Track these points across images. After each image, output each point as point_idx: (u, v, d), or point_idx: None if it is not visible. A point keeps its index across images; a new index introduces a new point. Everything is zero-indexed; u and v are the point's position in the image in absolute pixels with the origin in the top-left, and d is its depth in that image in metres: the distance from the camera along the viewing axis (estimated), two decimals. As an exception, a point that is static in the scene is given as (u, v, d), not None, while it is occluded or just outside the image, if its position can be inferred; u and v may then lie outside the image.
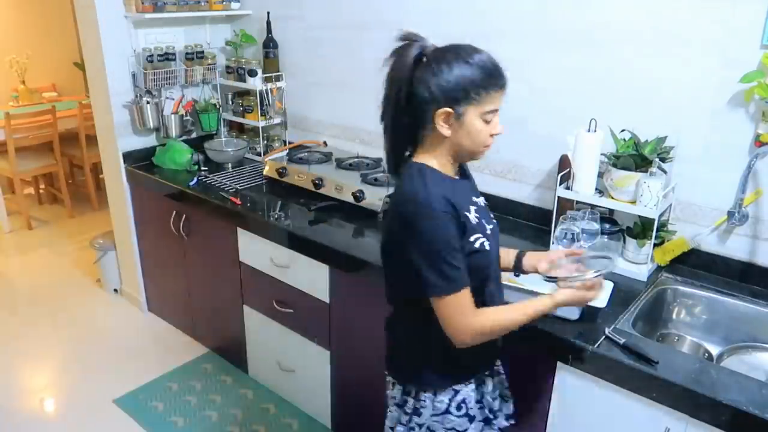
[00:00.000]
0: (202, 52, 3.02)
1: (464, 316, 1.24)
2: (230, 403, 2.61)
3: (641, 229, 1.86)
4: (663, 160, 1.79)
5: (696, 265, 1.89)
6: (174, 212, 2.75)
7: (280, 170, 2.57)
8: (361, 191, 2.29)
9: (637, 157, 1.77)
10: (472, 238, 1.27)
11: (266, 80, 2.88)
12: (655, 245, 1.86)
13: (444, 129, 1.23)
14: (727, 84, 1.71)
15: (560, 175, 1.95)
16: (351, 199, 2.31)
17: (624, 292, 1.76)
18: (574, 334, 1.55)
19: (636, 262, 1.88)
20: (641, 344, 1.49)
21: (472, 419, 1.40)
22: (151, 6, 2.73)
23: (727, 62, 1.70)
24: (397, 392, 1.44)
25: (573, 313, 1.59)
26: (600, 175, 1.89)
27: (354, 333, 2.16)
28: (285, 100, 2.96)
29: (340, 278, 2.12)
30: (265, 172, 2.66)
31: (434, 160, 1.29)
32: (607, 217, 1.99)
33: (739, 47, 1.68)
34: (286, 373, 2.52)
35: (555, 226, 1.91)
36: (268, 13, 2.88)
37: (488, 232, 1.33)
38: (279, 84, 2.91)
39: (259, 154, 2.98)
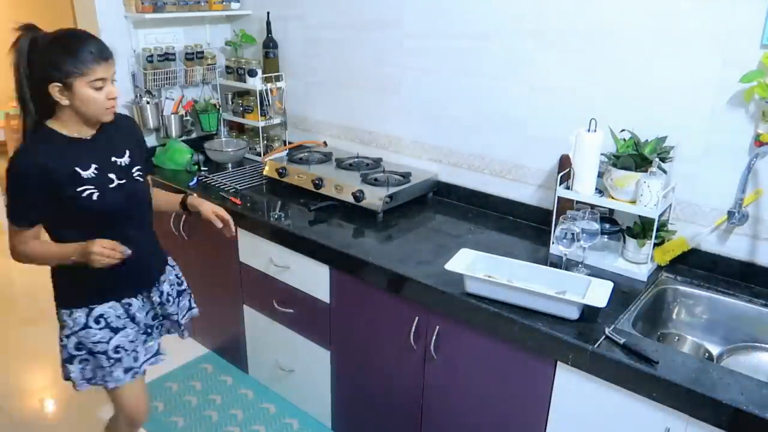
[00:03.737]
0: (202, 52, 3.02)
1: (16, 242, 1.63)
2: (230, 403, 2.61)
3: (641, 229, 1.86)
4: (663, 160, 1.79)
5: (696, 265, 1.89)
6: (173, 212, 2.75)
7: (280, 170, 2.58)
8: (361, 191, 2.30)
9: (637, 157, 1.77)
10: (79, 189, 1.59)
11: (266, 80, 2.88)
12: (655, 245, 1.86)
13: (62, 100, 1.54)
14: (727, 84, 1.71)
15: (560, 175, 1.95)
16: (351, 199, 2.31)
17: (624, 292, 1.76)
18: (574, 334, 1.55)
19: (636, 262, 1.88)
20: (641, 344, 1.49)
21: (115, 330, 1.73)
22: (151, 6, 2.73)
23: (727, 62, 1.71)
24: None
25: (573, 313, 1.60)
26: (600, 175, 1.89)
27: (354, 333, 2.16)
28: (285, 100, 2.96)
29: (340, 278, 2.12)
30: (265, 172, 2.66)
31: (59, 123, 1.61)
32: (607, 217, 1.99)
33: (739, 47, 1.68)
34: (286, 373, 2.53)
35: (555, 226, 1.91)
36: (268, 13, 2.88)
37: (110, 186, 1.65)
38: (279, 84, 2.91)
39: (259, 154, 2.98)
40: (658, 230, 1.81)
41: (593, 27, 1.94)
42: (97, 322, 1.73)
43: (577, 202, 1.96)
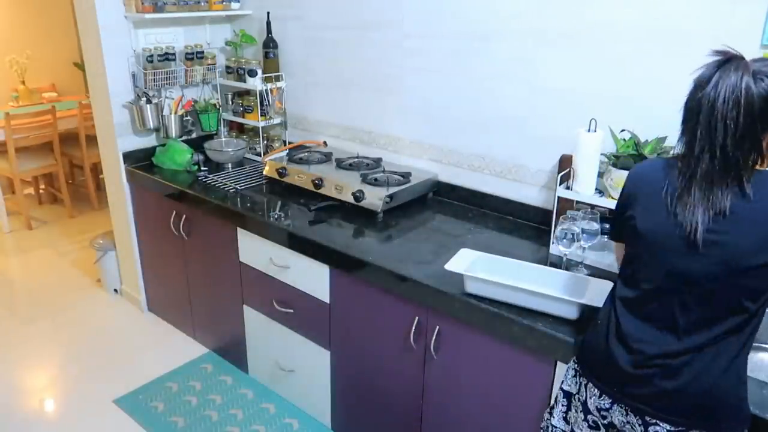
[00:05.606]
0: (202, 52, 3.02)
1: None
2: (230, 403, 2.61)
3: (641, 229, 1.85)
4: (663, 160, 1.78)
5: (696, 265, 1.89)
6: (174, 212, 2.75)
7: (280, 170, 2.57)
8: (361, 191, 2.29)
9: (637, 157, 1.77)
10: None
11: (266, 80, 2.88)
12: (655, 245, 1.86)
13: None
14: (727, 84, 1.71)
15: (560, 175, 1.95)
16: (351, 199, 2.31)
17: (624, 292, 1.76)
18: (574, 334, 1.55)
19: (636, 262, 1.88)
20: (641, 344, 1.49)
21: None
22: (151, 6, 2.73)
23: (727, 62, 1.70)
24: None
25: (572, 313, 1.60)
26: (600, 175, 1.89)
27: (354, 333, 2.16)
28: (285, 100, 2.96)
29: (340, 278, 2.12)
30: (265, 172, 2.66)
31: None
32: (607, 217, 1.99)
33: (739, 47, 1.67)
34: (286, 373, 2.53)
35: (555, 226, 1.91)
36: (268, 13, 2.88)
37: None
38: (279, 84, 2.91)
39: (259, 154, 2.98)
40: (658, 230, 1.81)
41: (593, 27, 1.94)
42: None
43: (577, 202, 1.96)
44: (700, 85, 1.19)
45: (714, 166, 1.17)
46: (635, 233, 1.30)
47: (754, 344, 1.61)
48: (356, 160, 2.64)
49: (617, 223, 1.39)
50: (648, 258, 1.27)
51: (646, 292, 1.28)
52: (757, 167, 1.19)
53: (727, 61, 1.18)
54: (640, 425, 1.26)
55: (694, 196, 1.19)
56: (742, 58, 1.18)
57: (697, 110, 1.19)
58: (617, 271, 1.40)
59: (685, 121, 1.23)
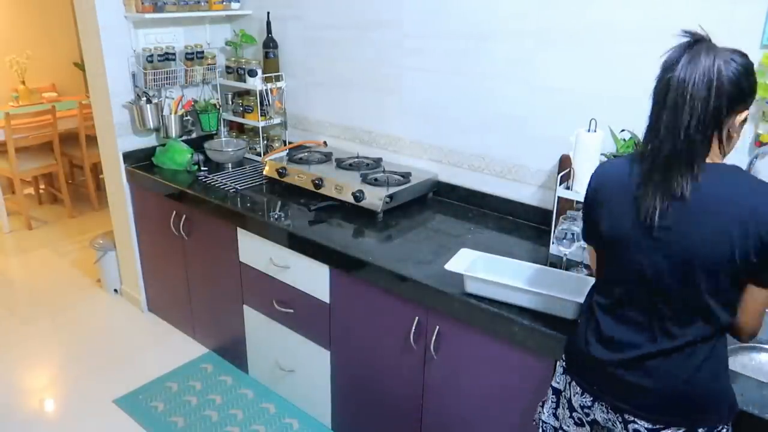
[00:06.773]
0: (202, 52, 3.02)
1: None
2: (230, 403, 2.61)
3: (641, 229, 1.85)
4: (663, 160, 1.78)
5: (696, 265, 1.89)
6: (174, 212, 2.75)
7: (280, 170, 2.57)
8: (361, 191, 2.30)
9: (637, 157, 1.77)
10: None
11: (266, 80, 2.88)
12: (655, 245, 1.86)
13: (735, 134, 1.21)
14: (727, 84, 1.71)
15: (560, 175, 1.95)
16: (351, 199, 2.31)
17: (624, 292, 1.76)
18: (573, 333, 1.55)
19: (636, 262, 1.88)
20: (641, 344, 1.49)
21: None
22: (151, 6, 2.73)
23: (727, 62, 1.70)
24: None
25: (572, 313, 1.60)
26: (600, 175, 1.89)
27: (354, 333, 2.16)
28: (285, 100, 2.96)
29: (340, 278, 2.12)
30: (265, 172, 2.66)
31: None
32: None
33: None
34: (286, 373, 2.53)
35: (555, 226, 1.91)
36: (268, 13, 2.88)
37: None
38: (279, 84, 2.91)
39: (259, 154, 2.98)
40: (658, 230, 1.81)
41: (593, 27, 1.94)
42: None
43: (577, 202, 1.96)
44: (669, 67, 1.17)
45: (675, 149, 1.15)
46: (601, 236, 1.30)
47: (754, 344, 1.62)
48: (356, 160, 2.64)
49: (585, 225, 1.39)
50: (616, 261, 1.28)
51: (618, 297, 1.29)
52: (711, 159, 1.18)
53: (696, 42, 1.16)
54: (620, 423, 1.28)
55: (653, 183, 1.18)
56: (710, 40, 1.17)
57: (664, 92, 1.17)
58: (593, 271, 1.41)
59: (654, 105, 1.20)
